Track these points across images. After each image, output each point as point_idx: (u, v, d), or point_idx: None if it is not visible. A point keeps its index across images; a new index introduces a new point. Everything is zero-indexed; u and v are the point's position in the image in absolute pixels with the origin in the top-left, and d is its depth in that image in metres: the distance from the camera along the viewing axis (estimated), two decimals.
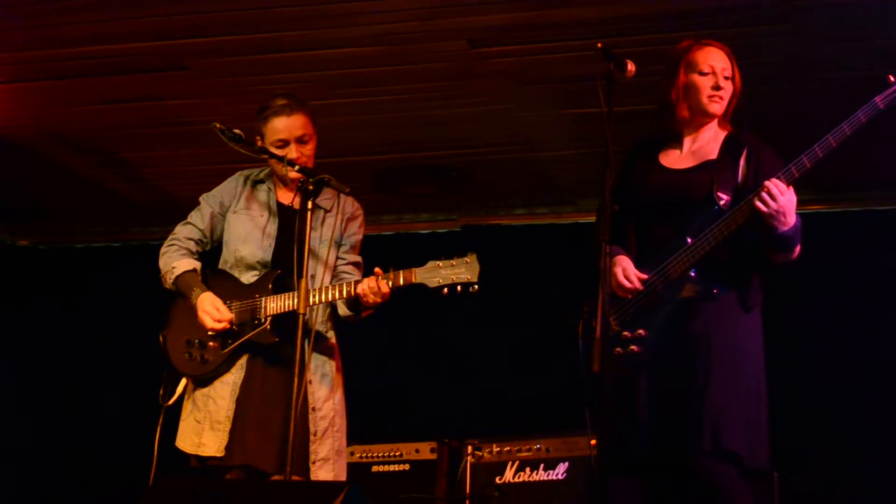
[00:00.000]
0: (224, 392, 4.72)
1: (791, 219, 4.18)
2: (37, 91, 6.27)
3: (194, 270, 4.88)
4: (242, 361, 4.75)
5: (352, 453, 6.38)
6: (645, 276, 4.33)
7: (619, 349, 4.31)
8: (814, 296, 6.93)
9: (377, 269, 4.56)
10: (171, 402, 4.83)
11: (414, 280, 4.50)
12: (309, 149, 4.83)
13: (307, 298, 4.52)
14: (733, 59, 4.47)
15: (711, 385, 4.19)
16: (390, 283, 4.54)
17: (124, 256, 8.59)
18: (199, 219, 5.00)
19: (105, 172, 7.45)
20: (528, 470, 5.96)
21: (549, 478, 5.90)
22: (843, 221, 7.35)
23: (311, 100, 5.72)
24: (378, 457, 6.37)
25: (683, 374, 4.23)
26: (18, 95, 6.32)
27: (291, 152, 4.76)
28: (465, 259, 4.47)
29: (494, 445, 6.09)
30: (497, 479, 6.00)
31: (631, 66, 4.11)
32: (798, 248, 4.30)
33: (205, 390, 4.78)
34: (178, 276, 4.87)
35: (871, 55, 5.54)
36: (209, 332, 4.75)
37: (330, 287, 4.67)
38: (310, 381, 4.73)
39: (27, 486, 8.06)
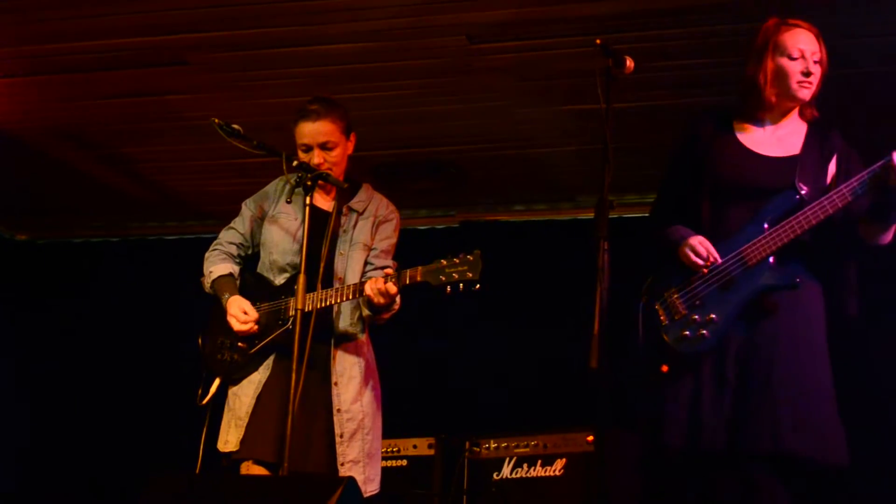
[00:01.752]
0: (249, 390, 4.76)
1: None
2: (36, 86, 6.27)
3: (230, 275, 4.93)
4: (269, 361, 4.79)
5: None
6: (718, 255, 4.27)
7: (686, 332, 4.26)
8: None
9: (387, 270, 4.59)
10: (205, 401, 4.86)
11: (419, 279, 4.52)
12: (334, 155, 4.83)
13: (306, 296, 4.54)
14: (821, 40, 4.33)
15: (776, 381, 4.13)
16: (397, 283, 4.55)
17: (123, 251, 8.59)
18: (240, 224, 5.05)
19: (104, 167, 7.44)
20: (525, 466, 5.96)
21: (547, 474, 5.90)
22: None
23: (310, 95, 5.74)
24: None
25: (750, 366, 4.18)
26: (17, 90, 6.32)
27: (315, 157, 4.78)
28: (469, 257, 4.48)
29: (492, 441, 6.09)
30: (495, 476, 6.00)
31: (630, 63, 4.09)
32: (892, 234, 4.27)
33: (234, 389, 4.83)
34: (213, 281, 4.93)
35: (862, 51, 5.54)
36: (237, 334, 4.80)
37: (350, 286, 4.68)
38: (335, 383, 4.75)
39: (26, 482, 8.05)
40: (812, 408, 4.15)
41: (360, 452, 4.73)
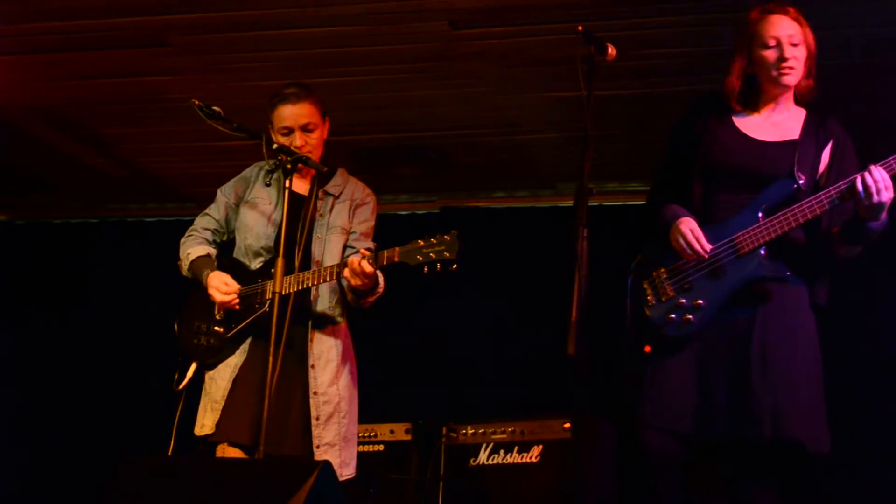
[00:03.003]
0: (225, 374, 4.78)
1: (884, 215, 4.13)
2: (15, 65, 6.23)
3: (208, 255, 4.96)
4: (245, 345, 4.81)
5: None
6: (709, 247, 4.26)
7: (672, 315, 4.27)
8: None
9: (363, 251, 4.58)
10: (181, 386, 4.87)
11: (396, 259, 4.52)
12: (314, 137, 4.88)
13: (283, 279, 4.56)
14: (801, 20, 4.31)
15: (768, 369, 4.14)
16: (374, 263, 4.55)
17: (102, 232, 8.56)
18: (215, 210, 5.08)
19: (84, 148, 7.41)
20: (502, 452, 5.97)
21: (524, 460, 5.91)
22: None
23: (292, 78, 5.72)
24: None
25: (738, 355, 4.18)
26: None
27: (296, 140, 4.82)
28: (446, 237, 4.48)
29: (469, 427, 6.10)
30: (471, 461, 6.01)
31: (612, 50, 4.10)
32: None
33: (211, 373, 4.84)
34: (192, 262, 4.94)
35: (844, 43, 5.55)
36: (218, 306, 4.81)
37: (328, 267, 4.69)
38: (312, 366, 4.76)
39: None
40: (803, 395, 4.16)
41: (336, 436, 4.74)
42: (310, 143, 4.84)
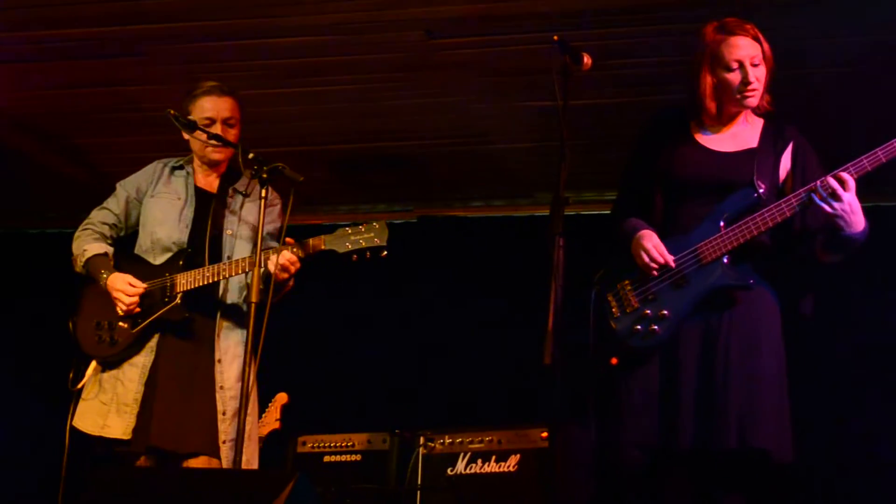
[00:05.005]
0: (133, 375, 4.72)
1: (860, 219, 4.13)
2: None
3: (105, 254, 4.90)
4: (153, 343, 4.76)
5: (304, 443, 6.38)
6: (671, 256, 4.28)
7: (638, 327, 4.27)
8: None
9: (288, 239, 4.55)
10: (79, 385, 4.82)
11: (323, 247, 4.51)
12: (233, 134, 4.88)
13: (217, 278, 4.62)
14: (759, 38, 4.31)
15: (732, 378, 4.13)
16: (300, 252, 4.54)
17: None
18: (114, 204, 5.04)
19: (59, 158, 7.39)
20: (479, 461, 5.95)
21: (501, 469, 5.90)
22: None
23: (268, 88, 5.74)
24: (330, 447, 6.34)
25: (704, 363, 4.18)
26: None
27: (216, 132, 4.80)
28: (375, 224, 4.47)
29: (447, 436, 6.08)
30: (449, 471, 5.99)
31: (587, 60, 4.10)
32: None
33: (113, 372, 4.76)
34: (88, 259, 4.89)
35: (827, 52, 5.58)
36: (122, 310, 4.75)
37: (241, 259, 4.67)
38: (218, 360, 4.73)
39: None
40: (766, 404, 4.16)
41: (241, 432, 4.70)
42: (228, 139, 4.83)
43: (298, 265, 4.55)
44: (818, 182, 4.13)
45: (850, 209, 4.10)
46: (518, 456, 5.88)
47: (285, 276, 4.55)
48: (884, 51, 5.57)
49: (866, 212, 4.18)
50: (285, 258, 4.50)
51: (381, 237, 4.44)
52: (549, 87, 4.05)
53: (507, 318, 7.29)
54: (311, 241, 4.53)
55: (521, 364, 6.14)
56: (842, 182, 4.10)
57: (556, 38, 4.08)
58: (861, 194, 4.14)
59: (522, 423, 5.92)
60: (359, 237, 4.46)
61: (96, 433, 4.68)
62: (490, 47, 5.76)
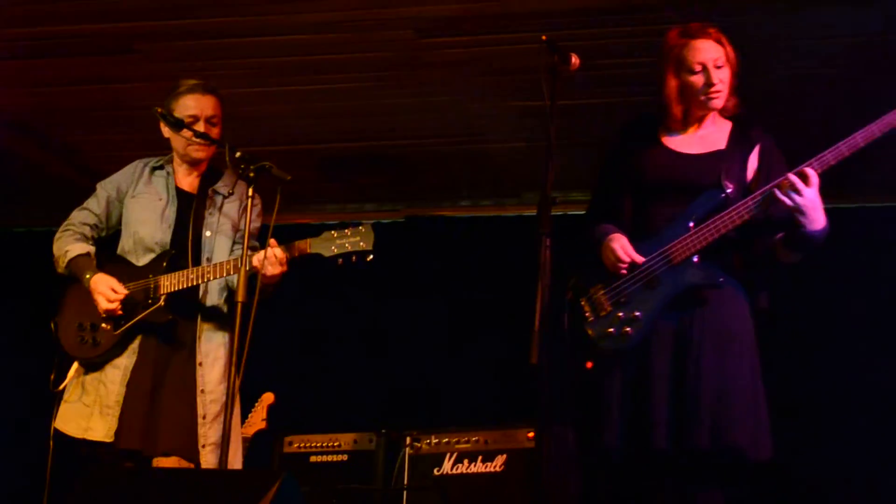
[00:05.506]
0: (115, 377, 4.70)
1: (820, 217, 4.15)
2: None
3: (88, 255, 4.87)
4: (135, 345, 4.74)
5: (290, 443, 6.37)
6: (641, 259, 4.30)
7: (611, 329, 4.28)
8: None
9: (272, 241, 4.52)
10: (61, 387, 4.81)
11: (309, 250, 4.50)
12: (215, 133, 4.86)
13: (202, 280, 4.62)
14: (723, 41, 4.36)
15: (705, 378, 4.15)
16: (287, 254, 4.52)
17: None
18: (95, 204, 5.01)
19: (48, 156, 7.37)
20: (466, 462, 5.95)
21: (488, 470, 5.90)
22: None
23: (257, 86, 5.74)
24: (316, 447, 6.34)
25: (677, 362, 4.20)
26: None
27: (199, 129, 4.79)
28: (360, 228, 4.46)
29: (433, 436, 6.08)
30: (435, 471, 5.99)
31: (575, 60, 4.11)
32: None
33: (96, 374, 4.75)
34: (70, 260, 4.87)
35: (819, 52, 5.60)
36: (103, 313, 4.72)
37: (226, 262, 4.65)
38: (200, 363, 4.73)
39: None
40: (740, 401, 4.18)
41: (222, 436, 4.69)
42: (211, 136, 4.81)
43: (286, 266, 4.53)
44: (783, 178, 4.15)
45: (811, 205, 4.12)
46: (504, 456, 5.88)
47: (273, 271, 4.51)
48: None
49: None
50: (272, 259, 4.48)
51: (367, 241, 4.43)
52: (537, 86, 4.05)
53: (494, 317, 7.29)
54: (297, 243, 4.51)
55: (508, 364, 6.15)
56: (804, 177, 4.12)
57: (544, 38, 4.09)
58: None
59: (509, 424, 5.92)
60: (344, 241, 4.44)
61: (80, 436, 4.67)
62: (479, 47, 5.76)
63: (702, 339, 4.21)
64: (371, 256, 4.43)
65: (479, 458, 5.93)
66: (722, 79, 4.34)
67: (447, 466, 5.98)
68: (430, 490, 5.93)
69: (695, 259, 4.26)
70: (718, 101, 4.36)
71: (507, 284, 6.55)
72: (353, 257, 4.44)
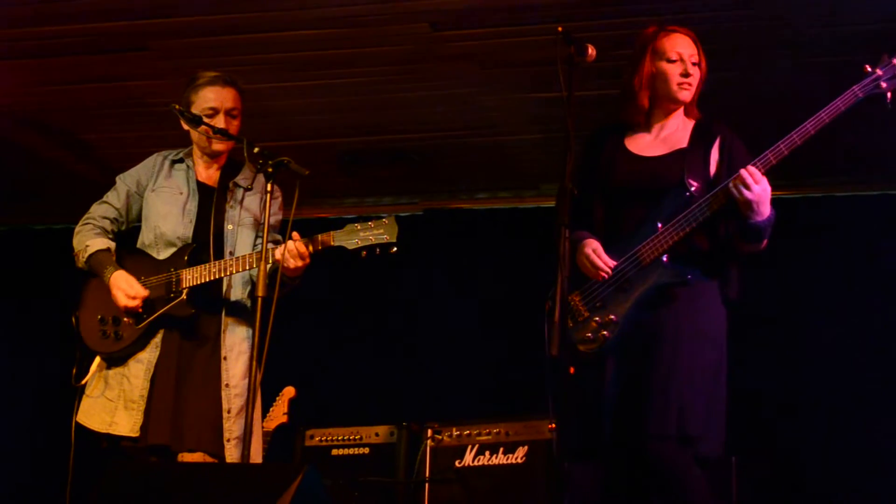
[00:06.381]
0: (138, 371, 4.69)
1: (766, 209, 4.20)
2: None
3: (108, 250, 4.85)
4: (157, 339, 4.73)
5: (311, 437, 6.39)
6: (613, 262, 4.33)
7: (589, 334, 4.33)
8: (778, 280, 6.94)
9: (295, 234, 4.51)
10: (84, 381, 4.79)
11: (332, 243, 4.47)
12: (235, 125, 4.83)
13: (224, 274, 4.58)
14: (699, 45, 4.46)
15: (677, 369, 4.20)
16: (309, 247, 4.51)
17: None
18: (115, 198, 4.99)
19: (65, 153, 7.39)
20: (487, 454, 5.96)
21: (509, 461, 5.91)
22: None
23: (274, 82, 5.72)
24: (338, 440, 6.36)
25: (650, 357, 4.24)
26: None
27: (219, 122, 4.77)
28: (384, 220, 4.45)
29: (454, 429, 6.09)
30: (457, 463, 6.00)
31: (591, 51, 4.11)
32: (766, 241, 4.31)
33: (119, 369, 4.74)
34: (91, 255, 4.84)
35: (831, 41, 5.58)
36: (123, 310, 4.72)
37: (248, 255, 4.64)
38: (224, 357, 4.71)
39: None
40: (701, 395, 4.23)
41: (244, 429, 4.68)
42: (230, 130, 4.79)
43: (307, 256, 4.53)
44: (738, 174, 4.19)
45: (759, 199, 4.16)
46: (526, 447, 5.90)
47: (294, 265, 4.50)
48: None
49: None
50: (294, 252, 4.48)
51: (391, 233, 4.42)
52: (553, 78, 4.05)
53: (514, 308, 7.29)
54: (320, 236, 4.50)
55: (528, 355, 6.16)
56: (752, 174, 4.16)
57: (560, 29, 4.09)
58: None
59: (530, 415, 5.93)
60: (368, 233, 4.43)
61: (104, 430, 4.66)
62: (495, 39, 5.76)
63: (676, 335, 4.26)
64: (395, 249, 4.43)
65: (501, 449, 5.95)
66: (694, 75, 4.42)
67: (468, 458, 5.99)
68: (452, 482, 5.95)
69: (664, 259, 4.29)
70: (687, 94, 4.43)
71: (525, 276, 6.55)
72: (377, 250, 4.43)
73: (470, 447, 6.01)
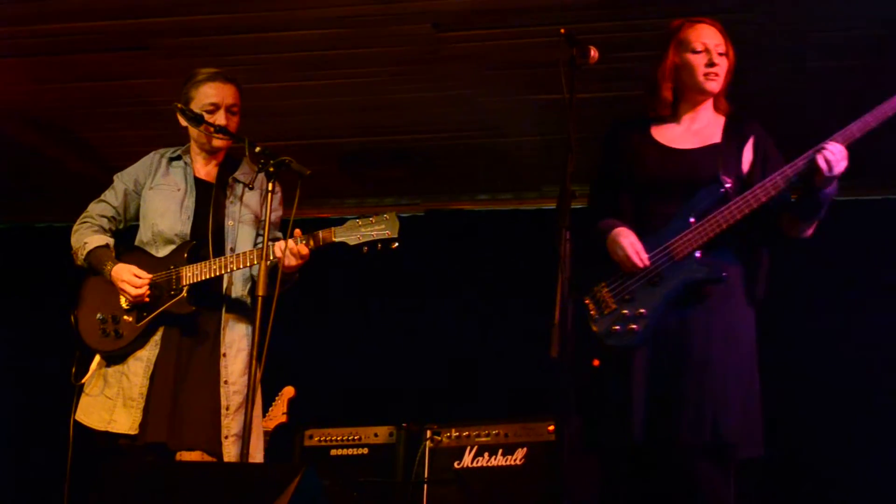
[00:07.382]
0: (138, 369, 4.68)
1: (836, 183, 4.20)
2: None
3: (107, 246, 4.84)
4: (157, 337, 4.71)
5: (310, 437, 6.39)
6: (647, 256, 4.30)
7: (616, 327, 4.29)
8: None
9: (297, 231, 4.50)
10: (84, 380, 4.79)
11: (334, 239, 4.46)
12: (235, 122, 4.81)
13: (224, 271, 4.57)
14: (726, 35, 4.42)
15: (710, 371, 4.17)
16: (310, 244, 4.50)
17: None
18: (112, 196, 4.98)
19: (65, 152, 7.40)
20: (486, 455, 5.95)
21: (508, 463, 5.90)
22: None
23: (274, 81, 5.71)
24: (337, 440, 6.35)
25: (682, 360, 4.21)
26: None
27: (220, 119, 4.75)
28: (385, 216, 4.44)
29: (453, 430, 6.09)
30: (456, 464, 6.00)
31: (594, 53, 4.10)
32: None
33: (118, 367, 4.73)
34: (90, 252, 4.83)
35: (841, 45, 5.59)
36: (129, 302, 4.71)
37: (248, 252, 4.62)
38: (223, 354, 4.70)
39: None
40: (737, 397, 4.20)
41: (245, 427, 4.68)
42: (230, 126, 4.78)
43: (307, 255, 4.52)
44: (825, 147, 4.14)
45: (840, 168, 4.13)
46: (525, 449, 5.89)
47: (293, 263, 4.49)
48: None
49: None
50: (294, 249, 4.47)
51: (393, 229, 4.41)
52: (555, 80, 4.04)
53: (514, 310, 7.30)
54: (321, 233, 4.49)
55: (528, 357, 6.15)
56: (836, 149, 4.13)
57: (562, 31, 4.08)
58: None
59: (529, 417, 5.92)
60: (370, 229, 4.43)
61: (102, 428, 4.65)
62: (497, 40, 5.76)
63: (708, 334, 4.23)
64: (396, 244, 4.42)
65: (500, 451, 5.94)
66: (721, 65, 4.38)
67: (467, 460, 5.99)
68: (451, 483, 5.94)
69: (697, 255, 4.26)
70: (715, 84, 4.39)
71: (526, 278, 6.55)
72: (379, 245, 4.42)
73: (469, 448, 6.00)
